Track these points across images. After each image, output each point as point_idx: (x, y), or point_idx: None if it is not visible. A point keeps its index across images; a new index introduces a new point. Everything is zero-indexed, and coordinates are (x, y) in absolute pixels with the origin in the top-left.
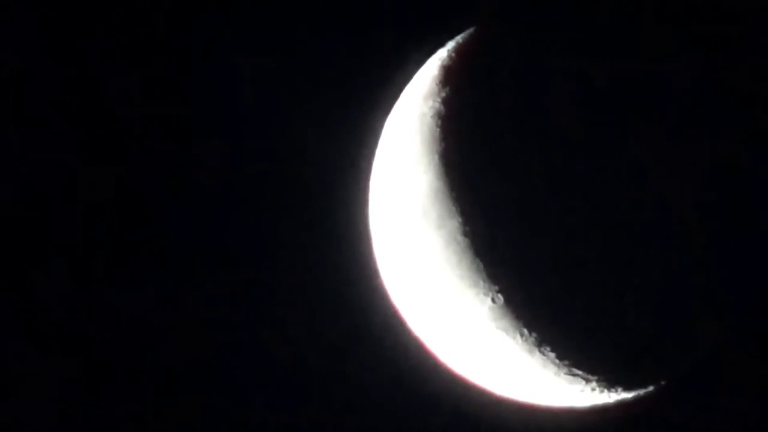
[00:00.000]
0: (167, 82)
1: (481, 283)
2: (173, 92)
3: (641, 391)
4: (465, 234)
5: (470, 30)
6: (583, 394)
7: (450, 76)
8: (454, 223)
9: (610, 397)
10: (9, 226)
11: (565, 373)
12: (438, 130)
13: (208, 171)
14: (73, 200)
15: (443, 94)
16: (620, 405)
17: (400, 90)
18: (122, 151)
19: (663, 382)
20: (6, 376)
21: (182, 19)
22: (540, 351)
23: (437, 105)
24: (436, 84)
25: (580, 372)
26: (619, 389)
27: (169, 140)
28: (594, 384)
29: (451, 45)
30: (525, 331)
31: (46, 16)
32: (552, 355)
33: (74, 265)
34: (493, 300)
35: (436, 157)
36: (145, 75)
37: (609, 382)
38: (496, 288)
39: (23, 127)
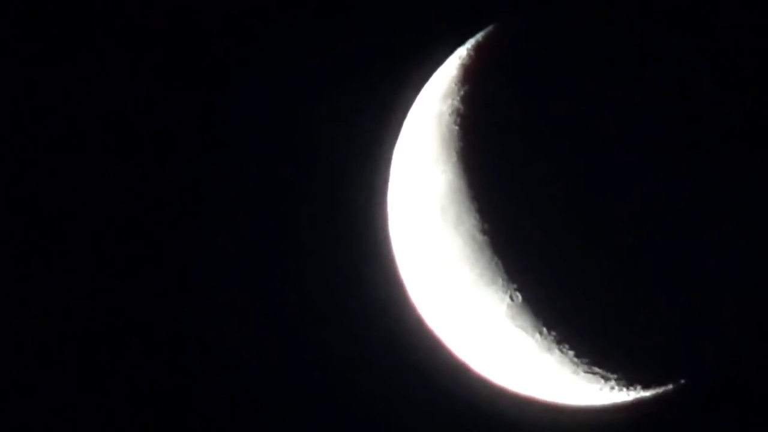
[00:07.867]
0: (188, 85)
1: (500, 281)
2: (195, 95)
3: (660, 390)
4: (483, 232)
5: (490, 28)
6: (601, 392)
7: (469, 74)
8: (472, 221)
9: (628, 395)
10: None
11: (584, 372)
12: (457, 128)
13: (227, 169)
14: (93, 210)
15: (462, 93)
16: (639, 403)
17: (420, 88)
18: (147, 150)
19: (682, 381)
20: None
21: (201, 22)
22: (559, 349)
23: (456, 103)
24: (456, 82)
25: (599, 370)
26: (638, 388)
27: (189, 142)
28: (613, 382)
29: (470, 43)
30: (543, 329)
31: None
32: (571, 353)
33: (80, 270)
34: (511, 298)
35: (455, 155)
36: (166, 81)
37: (628, 380)
38: (515, 286)
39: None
